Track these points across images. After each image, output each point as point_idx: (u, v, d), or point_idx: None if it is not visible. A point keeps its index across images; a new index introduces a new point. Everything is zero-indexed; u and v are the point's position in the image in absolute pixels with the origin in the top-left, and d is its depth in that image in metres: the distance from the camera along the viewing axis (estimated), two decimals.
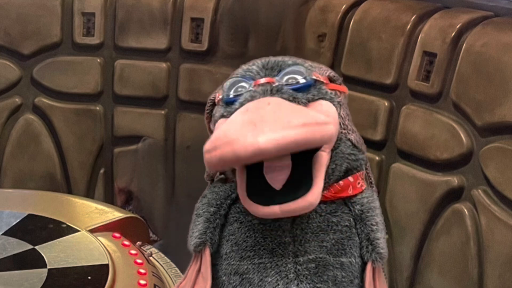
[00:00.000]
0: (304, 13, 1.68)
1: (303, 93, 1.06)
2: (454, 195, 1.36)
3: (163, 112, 1.88)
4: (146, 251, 1.46)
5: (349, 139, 1.12)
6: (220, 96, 1.11)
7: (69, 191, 1.93)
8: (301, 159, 1.01)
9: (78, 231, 1.40)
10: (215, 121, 1.11)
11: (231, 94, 1.08)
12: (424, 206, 1.41)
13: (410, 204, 1.45)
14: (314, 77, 1.08)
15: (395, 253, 1.49)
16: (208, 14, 1.80)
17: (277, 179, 1.02)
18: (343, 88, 1.13)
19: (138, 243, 1.48)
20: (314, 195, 1.02)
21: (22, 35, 1.85)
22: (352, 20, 1.58)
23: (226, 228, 1.12)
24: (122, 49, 1.87)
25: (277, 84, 1.06)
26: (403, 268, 1.48)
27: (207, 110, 1.16)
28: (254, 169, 1.02)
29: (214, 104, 1.14)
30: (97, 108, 1.90)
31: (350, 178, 1.11)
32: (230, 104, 1.08)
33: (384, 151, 1.53)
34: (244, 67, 1.13)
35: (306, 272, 1.08)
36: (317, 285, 1.08)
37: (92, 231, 1.42)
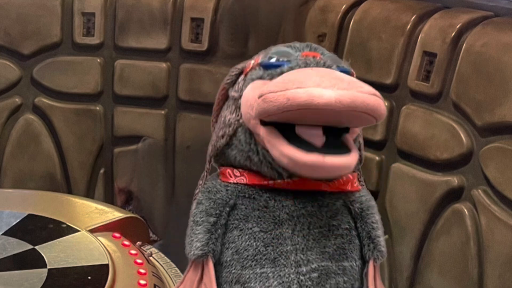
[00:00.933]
0: (304, 13, 1.68)
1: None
2: (454, 195, 1.36)
3: (163, 112, 1.88)
4: (146, 251, 1.46)
5: (359, 141, 1.14)
6: (259, 61, 1.08)
7: (69, 191, 1.93)
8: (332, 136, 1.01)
9: (78, 231, 1.41)
10: (244, 85, 1.08)
11: (275, 59, 1.06)
12: (424, 206, 1.41)
13: (410, 204, 1.45)
14: (351, 69, 1.09)
15: (395, 253, 1.49)
16: (208, 14, 1.80)
17: (316, 136, 1.00)
18: None
19: (138, 243, 1.48)
20: (354, 157, 1.01)
21: (22, 35, 1.85)
22: (352, 20, 1.58)
23: (225, 235, 1.11)
24: (122, 49, 1.87)
25: (326, 60, 1.06)
26: (403, 268, 1.48)
27: (229, 79, 1.14)
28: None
29: (240, 74, 1.12)
30: (97, 108, 1.90)
31: (350, 175, 1.12)
32: (272, 68, 1.05)
33: (384, 151, 1.53)
34: (285, 44, 1.11)
35: (309, 283, 1.07)
36: None
37: (92, 231, 1.42)
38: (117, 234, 1.44)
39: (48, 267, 1.26)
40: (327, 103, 0.93)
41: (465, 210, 1.34)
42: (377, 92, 0.99)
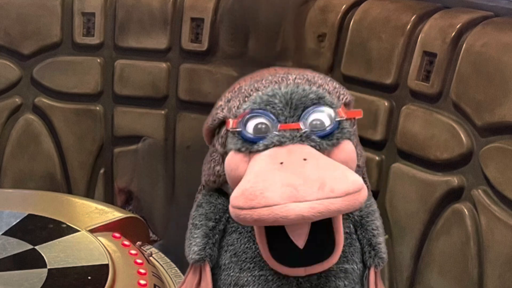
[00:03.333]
0: (304, 13, 1.68)
1: (329, 138, 1.03)
2: (454, 195, 1.36)
3: (163, 112, 1.88)
4: (146, 251, 1.46)
5: (358, 165, 1.11)
6: (237, 128, 1.05)
7: (69, 191, 1.93)
8: None
9: (78, 231, 1.40)
10: (225, 147, 1.07)
11: (251, 131, 1.03)
12: (424, 206, 1.41)
13: (410, 204, 1.45)
14: (338, 118, 1.04)
15: (395, 253, 1.49)
16: (208, 14, 1.80)
17: (299, 234, 1.00)
18: (359, 113, 1.10)
19: (138, 243, 1.48)
20: (337, 255, 1.03)
21: (22, 35, 1.85)
22: (352, 20, 1.58)
23: (224, 238, 1.11)
24: (122, 49, 1.87)
25: (304, 131, 1.02)
26: (403, 268, 1.48)
27: (211, 125, 1.11)
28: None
29: (222, 122, 1.09)
30: (97, 108, 1.90)
31: None
32: (249, 141, 1.03)
33: (384, 151, 1.53)
34: (263, 96, 1.05)
35: (308, 285, 1.07)
36: None
37: (92, 231, 1.42)
38: (117, 234, 1.44)
39: (48, 267, 1.26)
40: (295, 220, 0.93)
41: (465, 210, 1.34)
42: (351, 186, 0.96)
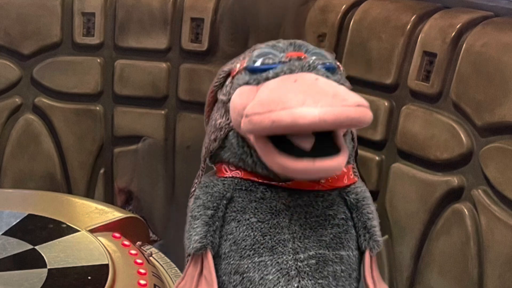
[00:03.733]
0: (304, 13, 1.68)
1: (333, 75, 1.06)
2: (454, 195, 1.36)
3: (163, 112, 1.88)
4: (146, 251, 1.46)
5: (351, 131, 1.13)
6: (244, 65, 1.08)
7: (69, 191, 1.93)
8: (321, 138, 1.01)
9: (78, 231, 1.40)
10: (231, 88, 1.09)
11: (259, 62, 1.07)
12: (424, 206, 1.41)
13: (410, 204, 1.45)
14: (337, 63, 1.09)
15: (395, 253, 1.49)
16: (208, 14, 1.80)
17: (305, 142, 1.00)
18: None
19: (138, 243, 1.48)
20: (343, 158, 1.01)
21: (22, 35, 1.85)
22: (352, 20, 1.58)
23: (223, 227, 1.12)
24: (122, 49, 1.87)
25: (309, 59, 1.06)
26: (403, 268, 1.48)
27: (217, 81, 1.14)
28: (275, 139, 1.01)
29: (227, 76, 1.13)
30: (97, 108, 1.90)
31: (345, 169, 1.12)
32: (258, 72, 1.06)
33: (384, 151, 1.53)
34: (269, 43, 1.12)
35: (307, 269, 1.08)
36: (318, 281, 1.08)
37: (92, 231, 1.42)
38: (117, 234, 1.44)
39: (48, 267, 1.26)
40: (311, 123, 0.94)
41: (465, 210, 1.34)
42: (362, 101, 0.99)
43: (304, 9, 1.69)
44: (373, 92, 1.53)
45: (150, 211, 1.88)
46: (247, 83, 1.06)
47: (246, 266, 1.09)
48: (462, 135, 1.34)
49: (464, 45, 1.35)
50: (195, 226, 1.11)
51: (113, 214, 1.52)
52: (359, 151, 1.55)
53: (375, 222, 1.14)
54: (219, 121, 1.12)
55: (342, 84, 1.06)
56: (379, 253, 1.48)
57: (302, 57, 1.06)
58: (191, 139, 1.84)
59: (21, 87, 1.89)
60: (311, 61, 1.05)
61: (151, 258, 1.46)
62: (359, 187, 1.15)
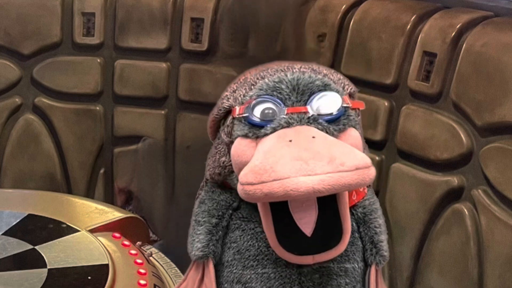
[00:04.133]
0: (304, 13, 1.68)
1: (335, 124, 1.03)
2: (454, 195, 1.36)
3: (163, 112, 1.88)
4: (146, 251, 1.46)
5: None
6: (243, 113, 1.04)
7: (69, 191, 1.93)
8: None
9: (78, 231, 1.40)
10: (231, 135, 1.06)
11: (258, 116, 1.03)
12: (424, 206, 1.41)
13: (410, 204, 1.45)
14: (345, 105, 1.04)
15: (395, 253, 1.49)
16: (208, 14, 1.80)
17: (307, 222, 1.00)
18: (361, 104, 1.10)
19: (138, 243, 1.48)
20: (345, 243, 1.02)
21: (22, 35, 1.85)
22: (352, 20, 1.58)
23: (227, 235, 1.11)
24: (122, 49, 1.87)
25: (311, 114, 1.02)
26: (403, 268, 1.48)
27: (217, 115, 1.11)
28: (278, 204, 1.00)
29: (228, 112, 1.09)
30: (97, 108, 1.90)
31: None
32: (256, 126, 1.03)
33: (384, 151, 1.53)
34: (269, 82, 1.05)
35: (310, 283, 1.08)
36: None
37: (92, 231, 1.42)
38: (117, 234, 1.44)
39: (48, 267, 1.26)
40: (305, 194, 0.92)
41: (465, 210, 1.34)
42: (361, 162, 0.96)
43: (304, 9, 1.69)
44: (373, 92, 1.53)
45: (150, 211, 1.88)
46: (245, 136, 1.03)
47: (249, 276, 1.08)
48: (462, 135, 1.34)
49: (464, 45, 1.35)
50: (198, 232, 1.10)
51: (113, 214, 1.52)
52: None
53: (383, 237, 1.13)
54: (222, 159, 1.10)
55: (351, 125, 1.04)
56: None
57: (302, 112, 1.02)
58: (191, 139, 1.84)
59: (21, 87, 1.89)
60: (311, 115, 1.02)
61: (151, 258, 1.46)
62: (368, 199, 1.14)
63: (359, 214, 1.12)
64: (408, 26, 1.47)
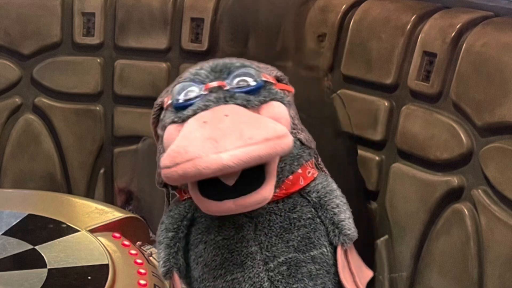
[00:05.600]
0: (304, 13, 1.68)
1: (255, 96, 1.06)
2: (454, 195, 1.36)
3: None
4: (146, 251, 1.46)
5: (298, 139, 1.12)
6: (170, 101, 1.09)
7: (69, 191, 1.93)
8: None
9: (78, 231, 1.40)
10: (164, 126, 1.09)
11: (181, 99, 1.07)
12: (424, 206, 1.41)
13: (410, 204, 1.45)
14: (263, 79, 1.08)
15: (395, 253, 1.49)
16: (208, 14, 1.80)
17: (229, 178, 1.01)
18: (290, 88, 1.14)
19: (138, 243, 1.47)
20: (267, 189, 1.02)
21: (22, 35, 1.85)
22: (352, 20, 1.58)
23: (192, 251, 1.13)
24: (122, 49, 1.87)
25: (228, 88, 1.06)
26: (403, 268, 1.48)
27: (154, 115, 1.15)
28: None
29: (161, 109, 1.13)
30: (97, 108, 1.90)
31: (299, 170, 1.12)
32: (180, 109, 1.06)
33: (384, 151, 1.53)
34: (192, 70, 1.12)
35: (280, 277, 1.08)
36: (294, 286, 1.08)
37: (92, 231, 1.42)
38: (117, 234, 1.44)
39: (48, 267, 1.26)
40: (216, 171, 0.95)
41: (465, 210, 1.34)
42: (272, 132, 0.98)
43: (304, 9, 1.69)
44: (373, 92, 1.53)
45: (150, 211, 1.87)
46: (173, 122, 1.07)
47: (220, 286, 1.09)
48: (462, 135, 1.34)
49: (464, 45, 1.35)
50: (160, 251, 1.14)
51: (113, 214, 1.52)
52: (359, 151, 1.56)
53: (343, 215, 1.13)
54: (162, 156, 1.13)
55: (273, 98, 1.06)
56: (379, 253, 1.49)
57: (221, 86, 1.06)
58: None
59: (21, 87, 1.89)
60: (228, 92, 1.05)
61: (151, 258, 1.46)
62: (320, 183, 1.14)
63: (314, 199, 1.13)
64: (408, 26, 1.47)
